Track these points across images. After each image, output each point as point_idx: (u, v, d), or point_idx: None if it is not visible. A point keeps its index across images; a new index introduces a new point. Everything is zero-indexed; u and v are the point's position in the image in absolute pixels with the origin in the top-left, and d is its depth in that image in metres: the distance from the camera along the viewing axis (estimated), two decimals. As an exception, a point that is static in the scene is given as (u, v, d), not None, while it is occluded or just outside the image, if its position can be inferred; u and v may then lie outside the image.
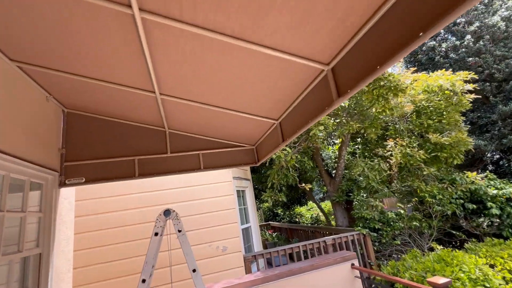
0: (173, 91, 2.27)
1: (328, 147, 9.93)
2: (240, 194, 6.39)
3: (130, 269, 4.22)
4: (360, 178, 7.69)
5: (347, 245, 6.10)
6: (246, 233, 6.19)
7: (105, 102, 2.71)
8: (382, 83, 5.74)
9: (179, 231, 2.37)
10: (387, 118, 7.07)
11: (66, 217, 2.86)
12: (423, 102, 6.81)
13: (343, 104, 6.43)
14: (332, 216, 12.93)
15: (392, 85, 5.69)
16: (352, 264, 3.43)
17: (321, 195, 18.65)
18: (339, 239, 6.01)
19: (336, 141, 9.77)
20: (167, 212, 2.37)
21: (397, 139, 6.59)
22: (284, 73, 1.76)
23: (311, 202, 16.30)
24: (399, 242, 6.00)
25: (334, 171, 9.01)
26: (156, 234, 2.30)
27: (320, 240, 5.92)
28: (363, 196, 7.57)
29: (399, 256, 6.41)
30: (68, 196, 2.96)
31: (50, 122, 2.72)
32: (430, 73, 7.10)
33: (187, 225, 4.88)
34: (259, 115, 2.52)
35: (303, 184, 6.01)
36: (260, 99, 2.23)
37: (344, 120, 6.44)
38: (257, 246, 6.43)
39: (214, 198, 5.22)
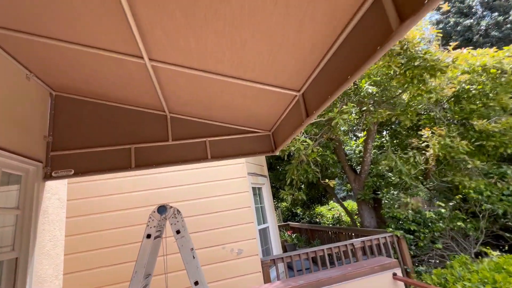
0: (166, 56, 1.78)
1: (351, 141, 9.16)
2: (256, 192, 5.86)
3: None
4: (389, 174, 6.92)
5: (378, 248, 5.39)
6: (264, 234, 5.65)
7: (94, 79, 2.29)
8: (416, 62, 4.98)
9: (178, 232, 1.88)
10: (420, 106, 6.24)
11: (54, 216, 2.47)
12: (463, 85, 5.92)
13: (370, 90, 5.72)
14: (356, 216, 12.07)
15: (428, 64, 4.92)
16: (394, 274, 2.79)
17: (343, 194, 17.71)
18: (369, 241, 5.31)
19: (360, 135, 8.99)
20: (161, 209, 1.89)
21: (435, 128, 5.76)
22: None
23: (332, 201, 15.45)
24: (440, 246, 5.20)
25: (359, 167, 8.25)
26: (148, 236, 1.82)
27: (347, 243, 5.25)
28: (393, 194, 6.79)
29: (438, 261, 5.59)
30: (57, 191, 2.57)
31: (33, 105, 2.34)
32: (471, 52, 6.18)
33: (197, 225, 4.42)
34: (276, 85, 1.98)
35: (327, 180, 5.37)
36: (276, 66, 1.68)
37: (371, 108, 5.72)
38: (276, 249, 5.87)
39: (227, 196, 4.73)
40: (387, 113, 5.47)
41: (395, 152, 6.01)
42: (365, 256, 5.59)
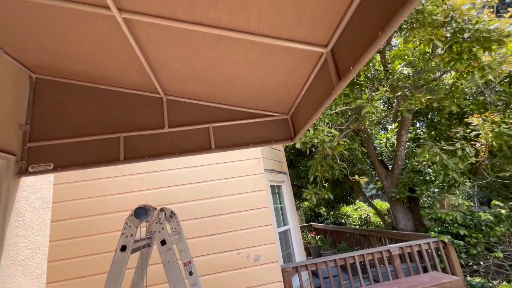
0: (139, 2, 1.29)
1: (381, 135, 8.28)
2: (275, 190, 5.30)
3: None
4: (428, 169, 6.03)
5: (419, 256, 4.60)
6: (285, 237, 5.08)
7: (66, 48, 1.87)
8: (466, 34, 4.13)
9: (163, 243, 1.38)
10: (468, 88, 5.31)
11: (32, 219, 2.10)
12: (522, 61, 4.91)
13: (405, 72, 4.92)
14: (386, 217, 11.05)
15: (481, 35, 4.05)
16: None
17: (371, 192, 16.56)
18: (409, 248, 4.54)
19: (390, 127, 8.08)
20: (139, 212, 1.41)
21: (486, 114, 4.83)
22: None
23: (358, 200, 14.43)
24: (501, 255, 4.29)
25: (390, 162, 7.39)
26: (123, 248, 1.34)
27: (382, 249, 4.53)
28: (433, 192, 5.89)
29: (497, 273, 4.67)
30: (38, 190, 2.20)
31: (5, 88, 1.98)
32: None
33: (208, 228, 3.97)
34: (294, 40, 1.41)
35: (356, 177, 4.67)
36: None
37: (407, 93, 4.92)
38: (299, 254, 5.27)
39: (242, 195, 4.22)
40: (427, 97, 4.65)
41: (437, 144, 5.14)
42: (403, 264, 4.82)
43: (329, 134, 4.49)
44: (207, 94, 2.24)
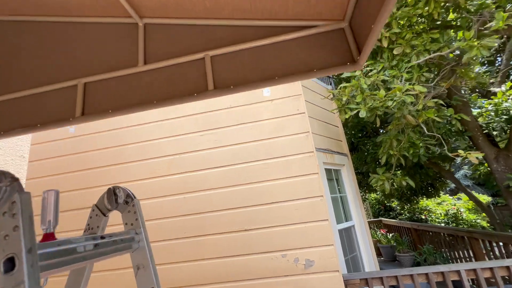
0: None
1: (482, 102, 6.06)
2: (332, 176, 4.13)
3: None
4: None
5: None
6: (347, 236, 3.89)
7: None
8: None
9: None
10: None
11: None
12: None
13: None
14: (485, 215, 8.38)
15: None
16: None
17: (466, 182, 13.29)
18: (558, 264, 2.83)
19: (497, 89, 5.82)
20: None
21: None
22: None
23: (442, 193, 11.67)
24: None
25: (503, 137, 5.30)
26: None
27: (504, 264, 2.94)
28: None
29: None
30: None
31: None
32: None
33: (243, 221, 3.12)
34: None
35: (461, 152, 3.06)
36: None
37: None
38: (368, 259, 4.01)
39: (285, 180, 3.23)
40: None
41: None
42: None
43: (411, 93, 3.07)
44: (200, 4, 1.32)
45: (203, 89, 1.32)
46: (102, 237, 0.88)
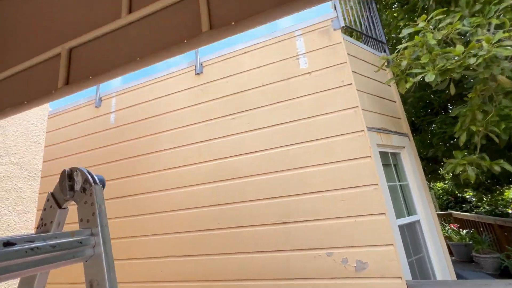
0: None
1: None
2: (390, 161, 3.42)
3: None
4: None
5: None
6: (410, 233, 3.19)
7: None
8: None
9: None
10: None
11: None
12: None
13: None
14: None
15: None
16: None
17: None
18: None
19: None
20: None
21: None
22: None
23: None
24: None
25: None
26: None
27: None
28: None
29: None
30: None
31: None
32: None
33: (282, 213, 2.74)
34: None
35: None
36: None
37: None
38: (440, 261, 3.24)
39: (330, 166, 2.71)
40: None
41: None
42: None
43: (505, 43, 2.20)
44: None
45: (196, 32, 0.94)
46: (36, 240, 0.59)
